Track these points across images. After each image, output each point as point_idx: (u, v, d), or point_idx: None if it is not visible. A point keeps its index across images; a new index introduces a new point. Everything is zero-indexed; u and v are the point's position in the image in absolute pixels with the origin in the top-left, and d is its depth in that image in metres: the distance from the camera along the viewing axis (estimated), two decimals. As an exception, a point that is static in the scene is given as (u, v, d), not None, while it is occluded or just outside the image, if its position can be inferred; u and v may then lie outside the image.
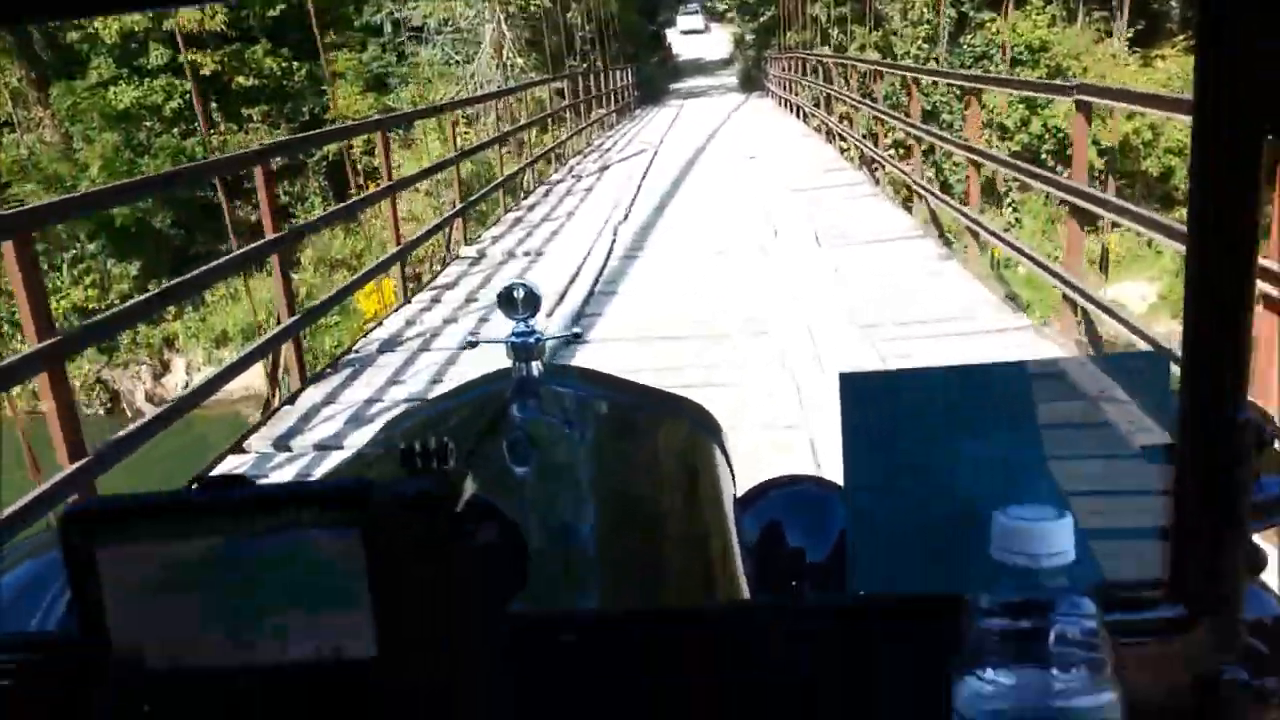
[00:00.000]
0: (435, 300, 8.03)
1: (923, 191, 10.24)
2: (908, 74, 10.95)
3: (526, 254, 9.64)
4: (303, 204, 21.56)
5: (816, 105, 18.34)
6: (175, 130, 20.17)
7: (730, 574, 1.14)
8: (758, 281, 7.53)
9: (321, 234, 16.57)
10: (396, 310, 7.83)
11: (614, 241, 9.38)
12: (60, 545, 0.62)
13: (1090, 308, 5.83)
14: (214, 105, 20.47)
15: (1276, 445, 0.64)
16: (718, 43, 49.12)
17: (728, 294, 7.18)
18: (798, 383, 5.17)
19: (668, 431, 1.46)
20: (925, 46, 21.62)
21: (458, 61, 20.63)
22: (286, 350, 6.17)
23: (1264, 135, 0.55)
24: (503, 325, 1.38)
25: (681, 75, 43.18)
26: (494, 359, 1.44)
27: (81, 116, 20.03)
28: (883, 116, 12.55)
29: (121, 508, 0.63)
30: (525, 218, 11.91)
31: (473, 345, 1.65)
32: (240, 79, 20.47)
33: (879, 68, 14.71)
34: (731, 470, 1.39)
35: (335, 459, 4.44)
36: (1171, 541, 0.64)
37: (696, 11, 56.16)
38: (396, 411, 1.72)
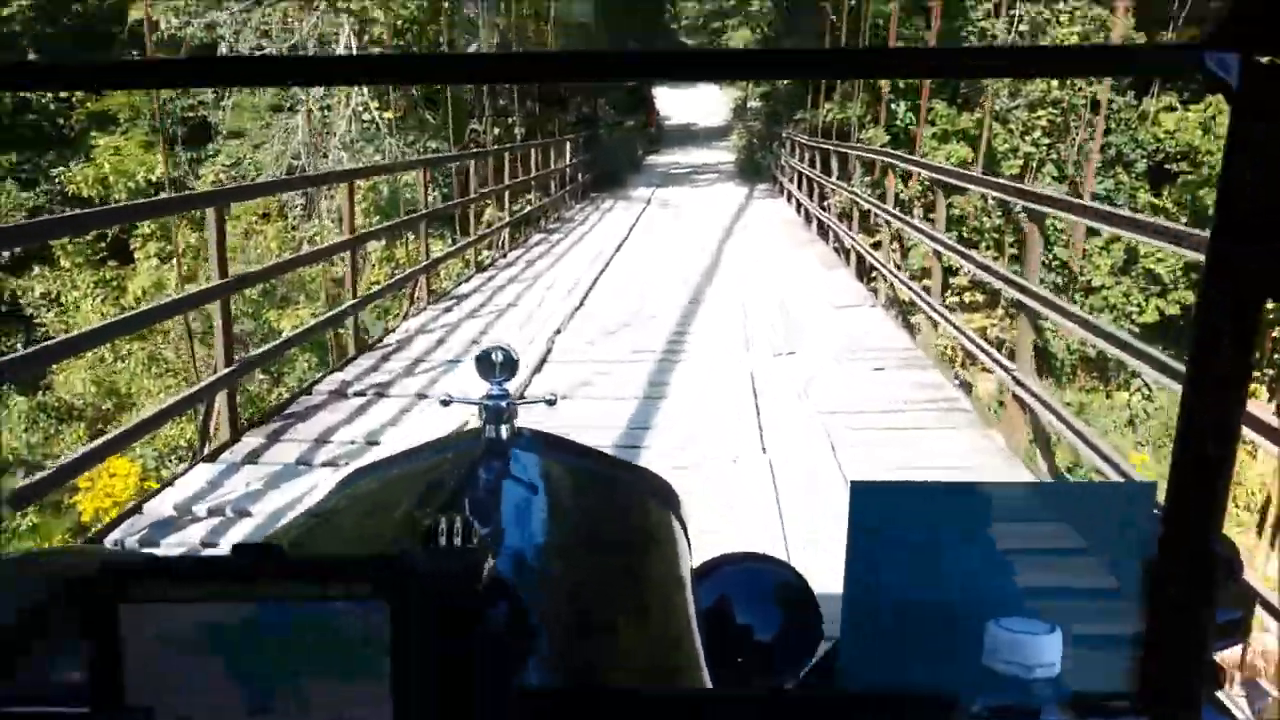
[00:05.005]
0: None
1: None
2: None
3: None
4: (58, 305, 13.93)
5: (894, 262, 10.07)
6: None
7: (688, 645, 1.17)
8: None
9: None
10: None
11: None
12: (84, 598, 0.62)
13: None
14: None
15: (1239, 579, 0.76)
16: (715, 104, 41.60)
17: None
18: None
19: (629, 501, 1.49)
20: (1043, 142, 14.25)
21: (288, 107, 13.09)
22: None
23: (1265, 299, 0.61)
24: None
25: (664, 145, 35.35)
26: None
27: None
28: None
29: (151, 565, 0.64)
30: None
31: (446, 403, 1.59)
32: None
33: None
34: (689, 542, 1.43)
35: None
36: (1143, 658, 0.69)
37: None
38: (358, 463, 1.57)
